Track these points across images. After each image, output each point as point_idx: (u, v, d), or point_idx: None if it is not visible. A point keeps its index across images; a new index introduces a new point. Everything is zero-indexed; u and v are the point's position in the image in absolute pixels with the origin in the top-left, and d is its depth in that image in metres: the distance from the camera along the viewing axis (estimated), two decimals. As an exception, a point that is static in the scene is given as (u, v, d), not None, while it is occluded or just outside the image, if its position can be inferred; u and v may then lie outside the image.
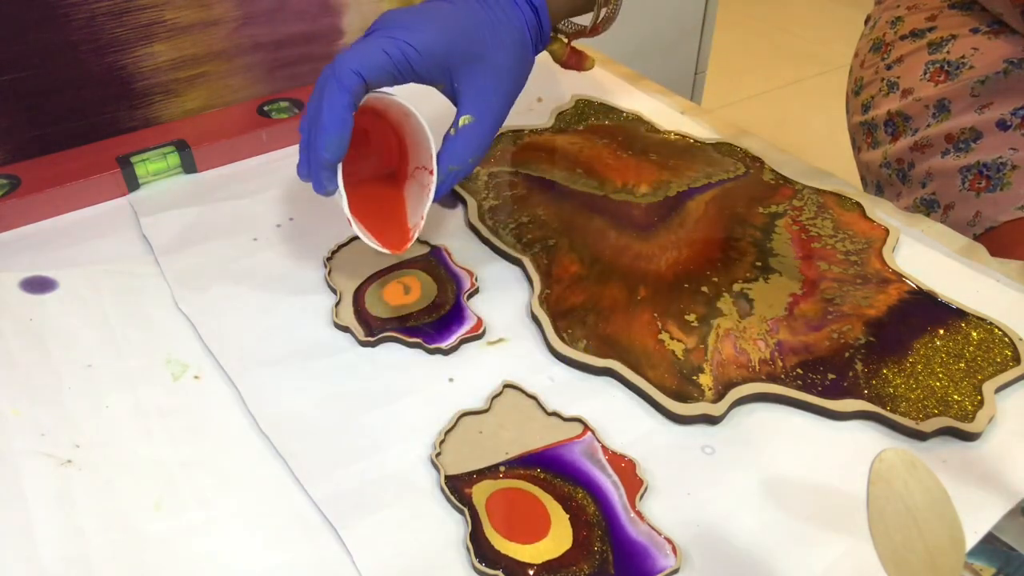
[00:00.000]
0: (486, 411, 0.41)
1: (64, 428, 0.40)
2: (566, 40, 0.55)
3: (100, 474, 0.38)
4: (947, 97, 0.64)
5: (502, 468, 0.38)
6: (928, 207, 0.65)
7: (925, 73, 0.66)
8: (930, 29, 0.68)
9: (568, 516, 0.36)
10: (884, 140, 0.70)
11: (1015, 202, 0.60)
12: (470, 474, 0.38)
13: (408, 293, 0.48)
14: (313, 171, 0.43)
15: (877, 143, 0.71)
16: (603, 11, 0.52)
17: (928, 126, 0.65)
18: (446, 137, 0.46)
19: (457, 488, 0.37)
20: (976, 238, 0.61)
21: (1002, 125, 0.61)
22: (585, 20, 0.54)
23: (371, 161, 0.50)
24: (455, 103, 0.46)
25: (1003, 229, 0.60)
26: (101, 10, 0.58)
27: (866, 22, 0.79)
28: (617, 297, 0.47)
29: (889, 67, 0.71)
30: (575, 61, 0.56)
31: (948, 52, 0.65)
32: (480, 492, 0.37)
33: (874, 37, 0.75)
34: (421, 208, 0.46)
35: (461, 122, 0.45)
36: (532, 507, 0.37)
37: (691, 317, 0.46)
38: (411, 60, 0.42)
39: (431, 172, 0.45)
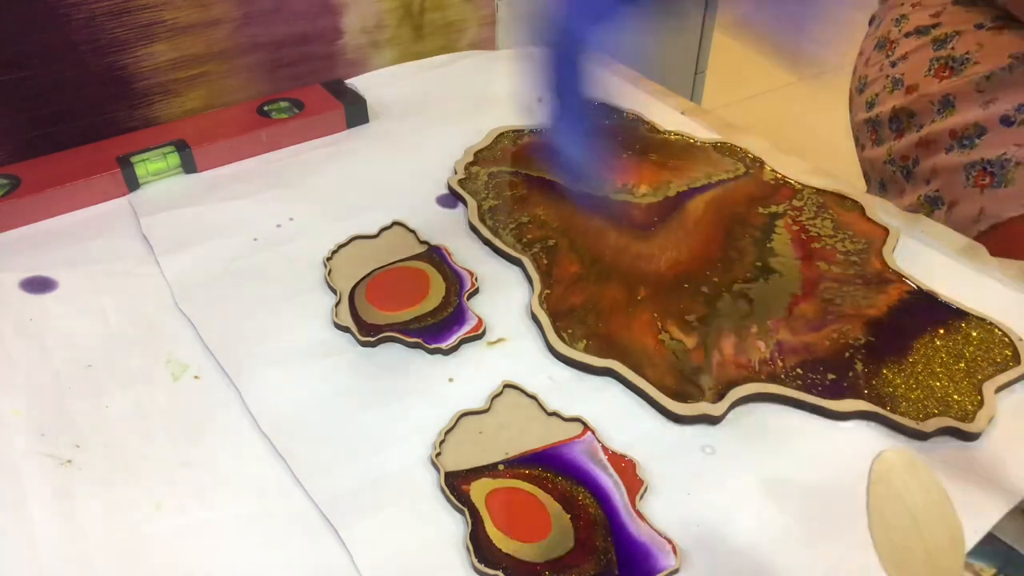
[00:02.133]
0: (486, 411, 0.41)
1: (64, 428, 0.40)
2: None
3: (100, 474, 0.38)
4: (952, 93, 0.64)
5: (501, 466, 0.38)
6: (932, 204, 0.65)
7: (930, 69, 0.66)
8: (935, 26, 0.68)
9: (569, 516, 0.36)
10: (889, 137, 0.70)
11: (1019, 198, 0.60)
12: (468, 471, 0.38)
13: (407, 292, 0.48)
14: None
15: (882, 140, 0.71)
16: None
17: (933, 122, 0.65)
18: None
19: (455, 486, 0.37)
20: (980, 235, 0.60)
21: (1006, 121, 0.61)
22: None
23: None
24: None
25: (1007, 225, 0.60)
26: (101, 10, 0.58)
27: (871, 22, 0.79)
28: (617, 297, 0.47)
29: (894, 64, 0.71)
30: None
31: (953, 48, 0.65)
32: (478, 490, 0.37)
33: (879, 35, 0.75)
34: None
35: None
36: (532, 507, 0.37)
37: (691, 317, 0.46)
38: None
39: None
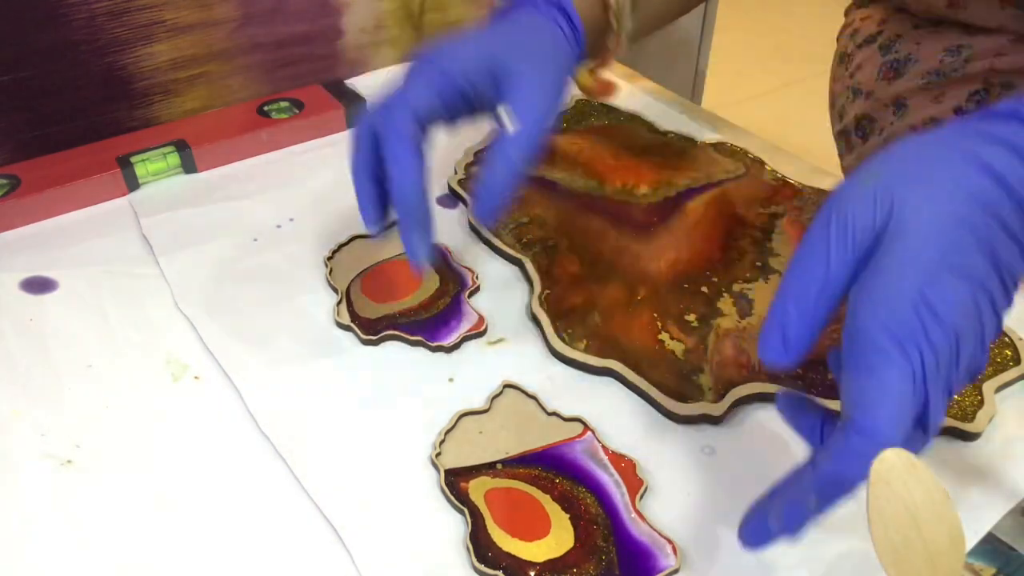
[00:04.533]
0: (486, 411, 0.41)
1: (64, 428, 0.40)
2: (590, 70, 0.53)
3: (100, 474, 0.38)
4: (903, 96, 0.66)
5: (499, 465, 0.38)
6: None
7: (879, 74, 0.69)
8: (880, 33, 0.71)
9: (569, 516, 0.36)
10: (857, 143, 0.73)
11: None
12: (467, 469, 0.38)
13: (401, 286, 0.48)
14: (404, 234, 0.41)
15: (852, 147, 0.74)
16: (617, 35, 0.50)
17: (891, 123, 0.68)
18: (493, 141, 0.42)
19: (454, 484, 0.37)
20: None
21: (960, 112, 0.63)
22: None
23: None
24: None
25: None
26: (101, 10, 0.58)
27: (837, 39, 0.82)
28: (617, 297, 0.47)
29: (852, 75, 0.74)
30: (603, 88, 0.56)
31: (897, 51, 0.68)
32: (477, 488, 0.37)
33: (839, 51, 0.79)
34: None
35: (501, 111, 0.41)
36: (532, 506, 0.37)
37: (691, 317, 0.46)
38: (451, 75, 0.40)
39: None
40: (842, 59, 0.77)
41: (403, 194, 0.40)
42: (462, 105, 0.41)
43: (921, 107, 0.65)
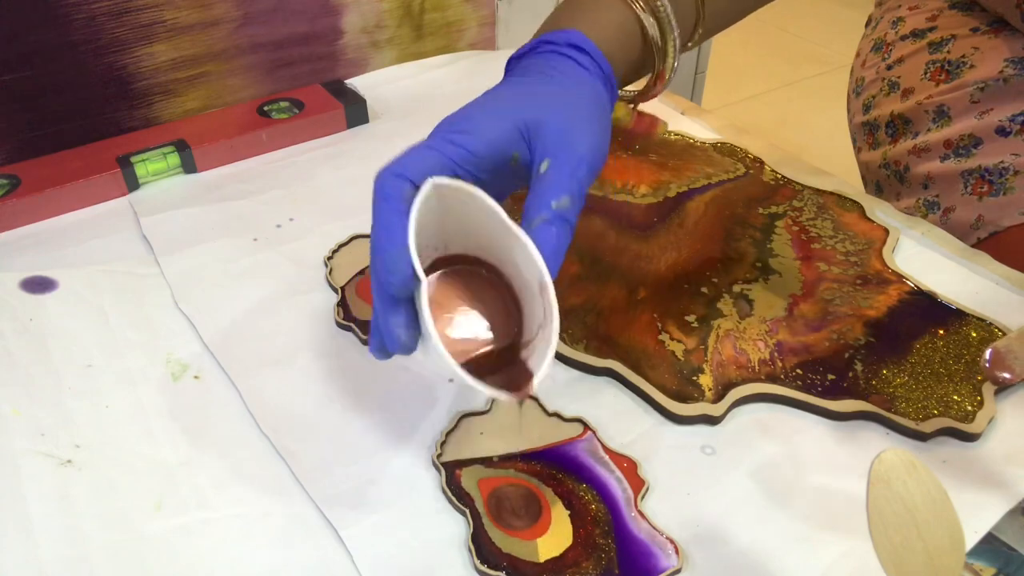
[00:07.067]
0: (487, 412, 0.41)
1: (64, 428, 0.40)
2: (631, 105, 0.48)
3: (100, 474, 0.38)
4: (947, 104, 0.64)
5: (495, 459, 0.39)
6: (928, 208, 0.65)
7: (926, 73, 0.66)
8: (931, 29, 0.68)
9: (569, 512, 0.36)
10: (884, 141, 0.70)
11: (1019, 207, 0.60)
12: (463, 460, 0.38)
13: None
14: (382, 314, 0.33)
15: (878, 143, 0.71)
16: (669, 67, 0.44)
17: (928, 131, 0.65)
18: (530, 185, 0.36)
19: (453, 479, 0.38)
20: (980, 242, 0.61)
21: (1002, 131, 0.61)
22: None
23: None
24: (530, 166, 0.36)
25: (1007, 234, 0.60)
26: (101, 10, 0.58)
27: (867, 24, 0.79)
28: (617, 297, 0.47)
29: (890, 67, 0.71)
30: (646, 125, 0.50)
31: (948, 52, 0.66)
32: (470, 476, 0.38)
33: (875, 37, 0.75)
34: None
35: (541, 168, 0.35)
36: (530, 501, 0.37)
37: (691, 318, 0.46)
38: (470, 149, 0.35)
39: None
40: (878, 46, 0.73)
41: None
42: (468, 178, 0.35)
43: (962, 119, 0.63)
